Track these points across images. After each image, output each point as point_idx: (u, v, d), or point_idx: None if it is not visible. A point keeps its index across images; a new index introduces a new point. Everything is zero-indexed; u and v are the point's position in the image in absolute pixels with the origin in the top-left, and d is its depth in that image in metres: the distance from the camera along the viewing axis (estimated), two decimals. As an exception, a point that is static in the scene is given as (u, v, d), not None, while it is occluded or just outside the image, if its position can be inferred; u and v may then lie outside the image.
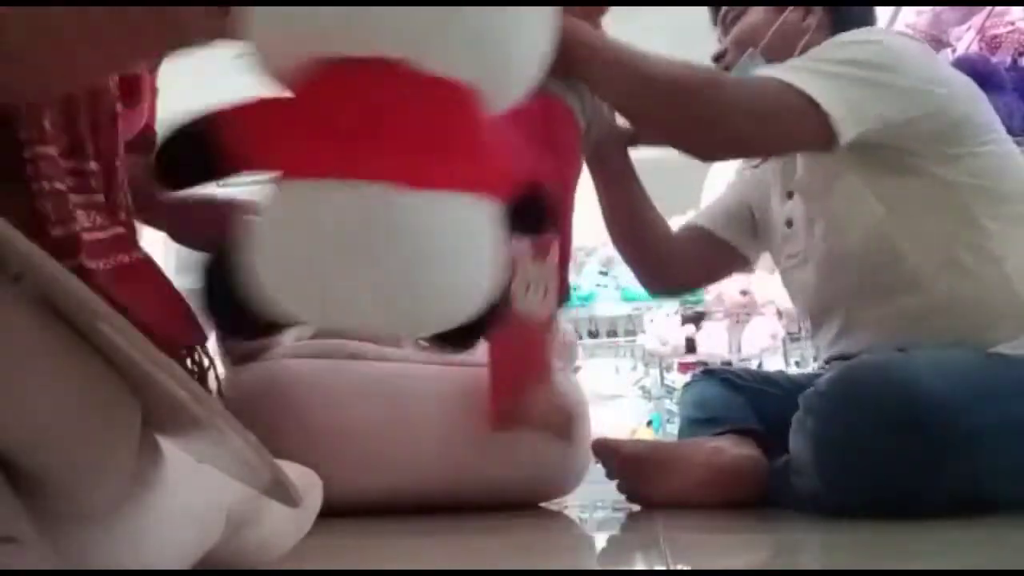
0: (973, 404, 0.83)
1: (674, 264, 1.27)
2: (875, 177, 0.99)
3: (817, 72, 0.94)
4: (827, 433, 0.87)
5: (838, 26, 1.11)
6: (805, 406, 0.90)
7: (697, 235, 1.29)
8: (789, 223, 1.15)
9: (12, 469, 0.28)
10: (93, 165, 0.82)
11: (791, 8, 1.13)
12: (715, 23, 1.21)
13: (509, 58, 0.49)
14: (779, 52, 1.10)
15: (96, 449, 0.29)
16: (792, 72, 0.95)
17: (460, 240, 0.50)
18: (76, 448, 0.28)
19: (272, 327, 0.51)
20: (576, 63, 0.92)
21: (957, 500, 0.81)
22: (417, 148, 0.50)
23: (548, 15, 0.50)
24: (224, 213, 0.92)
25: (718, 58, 1.18)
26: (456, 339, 0.48)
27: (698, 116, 0.95)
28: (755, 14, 1.15)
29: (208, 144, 0.49)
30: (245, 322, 0.46)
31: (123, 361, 0.29)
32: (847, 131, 0.92)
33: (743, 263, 1.32)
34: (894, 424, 0.82)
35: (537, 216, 0.54)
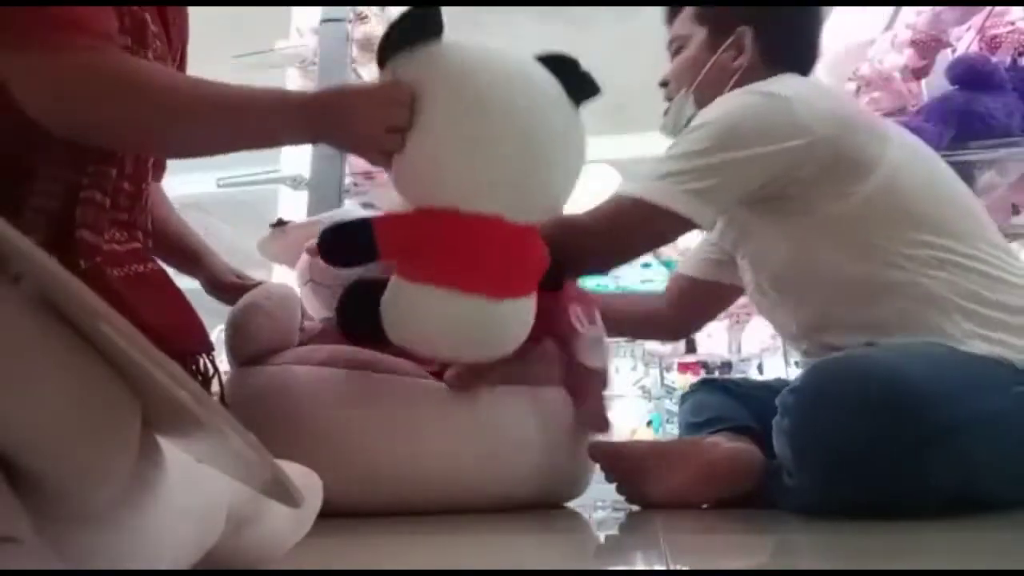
0: (948, 395, 0.83)
1: (679, 321, 1.43)
2: (777, 221, 1.08)
3: (662, 177, 1.05)
4: (802, 431, 0.88)
5: (769, 60, 1.17)
6: (781, 406, 0.90)
7: (685, 285, 1.41)
8: (743, 256, 1.25)
9: (12, 469, 0.28)
10: (126, 185, 0.86)
11: (723, 48, 1.19)
12: (668, 46, 1.31)
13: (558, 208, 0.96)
14: (711, 89, 1.19)
15: (96, 449, 0.29)
16: (642, 184, 1.07)
17: (521, 328, 0.96)
18: (76, 448, 0.28)
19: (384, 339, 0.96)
20: None
21: (941, 496, 0.81)
22: (502, 272, 0.91)
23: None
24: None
25: (664, 84, 1.30)
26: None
27: (574, 256, 1.08)
28: (693, 48, 1.23)
29: (366, 237, 0.92)
30: (367, 335, 0.97)
31: (123, 361, 0.29)
32: (706, 220, 1.05)
33: (739, 291, 1.38)
34: (867, 418, 0.82)
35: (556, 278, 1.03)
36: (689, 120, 1.19)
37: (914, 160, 1.08)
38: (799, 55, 1.19)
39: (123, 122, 0.78)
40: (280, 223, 1.33)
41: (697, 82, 1.21)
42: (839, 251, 1.04)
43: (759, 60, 1.18)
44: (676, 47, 1.27)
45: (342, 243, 0.95)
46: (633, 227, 1.08)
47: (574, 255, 1.08)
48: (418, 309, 0.91)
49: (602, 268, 1.22)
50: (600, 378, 1.13)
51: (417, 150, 0.88)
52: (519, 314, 0.95)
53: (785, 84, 1.09)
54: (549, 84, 0.95)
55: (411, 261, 0.92)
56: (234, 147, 0.87)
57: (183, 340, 0.93)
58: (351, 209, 1.40)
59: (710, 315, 1.47)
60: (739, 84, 1.15)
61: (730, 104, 1.08)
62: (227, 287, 1.15)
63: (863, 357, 0.89)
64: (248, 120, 0.85)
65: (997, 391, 0.87)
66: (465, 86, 0.88)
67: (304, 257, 1.25)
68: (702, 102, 1.19)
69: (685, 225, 1.05)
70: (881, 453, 0.82)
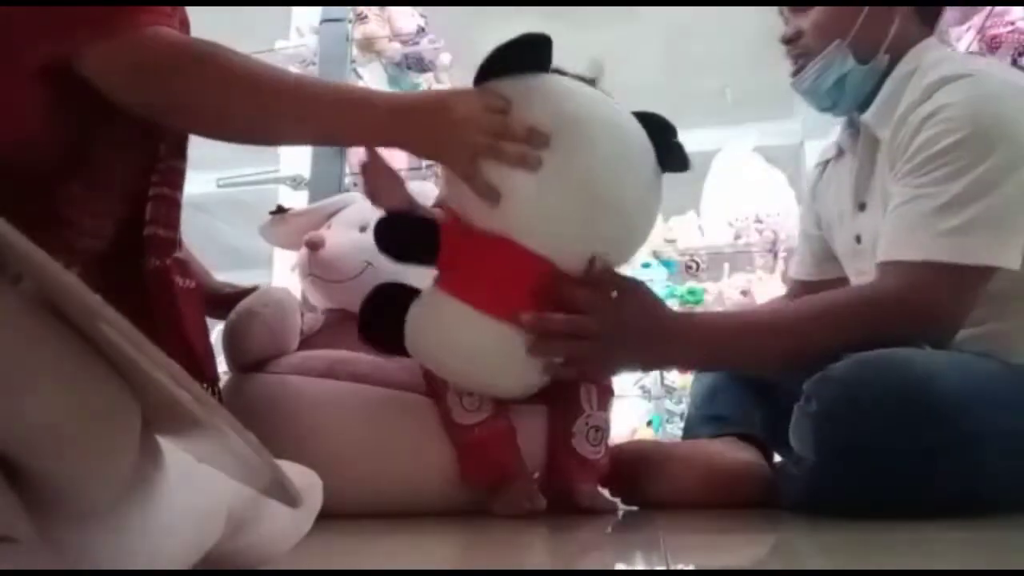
0: (983, 408, 0.83)
1: None
2: None
3: (951, 228, 0.88)
4: (829, 419, 0.85)
5: (924, 15, 1.06)
6: (811, 390, 0.88)
7: (801, 291, 1.27)
8: (858, 239, 1.11)
9: (12, 469, 0.28)
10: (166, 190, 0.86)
11: None
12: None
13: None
14: (868, 45, 1.04)
15: (96, 449, 0.29)
16: (930, 244, 0.89)
17: (538, 376, 0.94)
18: (76, 448, 0.28)
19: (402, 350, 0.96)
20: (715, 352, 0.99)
21: (947, 502, 0.81)
22: (536, 310, 0.89)
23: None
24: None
25: (790, 40, 1.09)
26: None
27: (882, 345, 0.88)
28: None
29: (431, 239, 0.93)
30: (386, 342, 0.98)
31: (124, 361, 0.29)
32: (1015, 259, 0.89)
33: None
34: (894, 416, 0.82)
35: None
36: (844, 77, 1.04)
37: None
38: (941, 7, 1.10)
39: (198, 93, 0.78)
40: (280, 210, 1.32)
41: (852, 36, 1.03)
42: None
43: (914, 10, 1.05)
44: None
45: (405, 236, 0.95)
46: (951, 294, 0.90)
47: (872, 344, 0.88)
48: (447, 323, 0.91)
49: (935, 341, 0.93)
50: (590, 468, 1.03)
51: (494, 169, 0.86)
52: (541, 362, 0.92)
53: (1000, 68, 0.97)
54: (641, 145, 0.92)
55: (457, 274, 0.92)
56: (297, 138, 0.92)
57: (211, 366, 0.93)
58: (353, 195, 1.39)
59: None
60: (897, 37, 1.03)
61: (979, 100, 0.91)
62: (223, 301, 1.13)
63: (904, 358, 0.87)
64: (322, 114, 0.84)
65: None
66: (560, 128, 0.87)
67: (303, 251, 1.25)
68: (862, 60, 1.04)
69: (994, 272, 0.90)
70: (896, 453, 0.81)
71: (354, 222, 1.27)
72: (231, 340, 1.06)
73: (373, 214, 1.25)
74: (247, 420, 0.94)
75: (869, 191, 1.08)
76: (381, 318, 0.97)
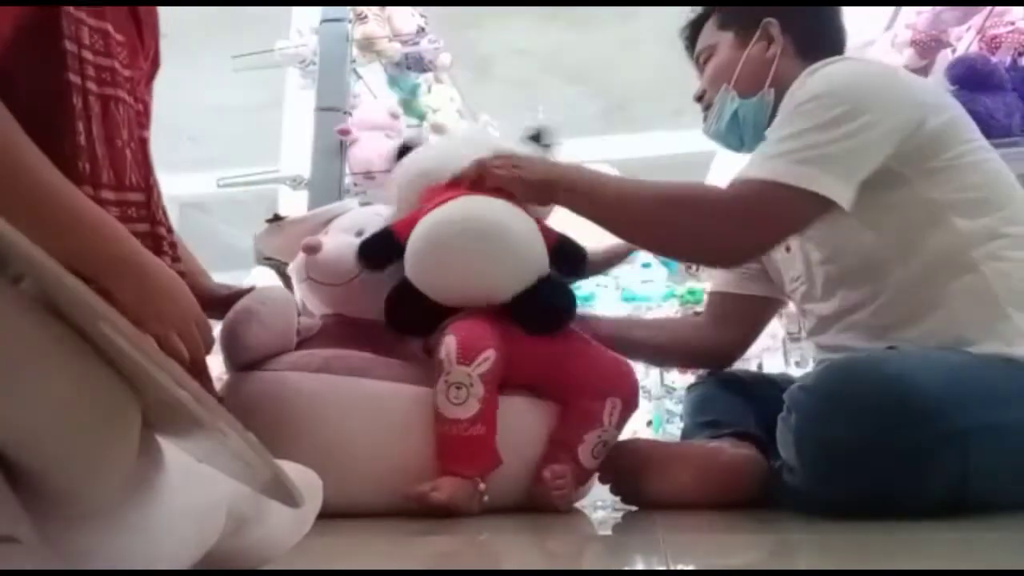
0: (960, 403, 0.83)
1: (727, 345, 1.34)
2: (862, 204, 0.98)
3: (794, 156, 0.96)
4: (809, 428, 0.87)
5: (802, 47, 1.15)
6: (790, 401, 0.90)
7: (719, 302, 1.34)
8: (787, 248, 1.18)
9: (12, 469, 0.28)
10: (133, 196, 0.84)
11: (754, 41, 1.17)
12: (695, 64, 1.27)
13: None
14: (751, 84, 1.16)
15: (96, 449, 0.29)
16: (767, 163, 0.98)
17: (520, 222, 1.11)
18: (76, 448, 0.28)
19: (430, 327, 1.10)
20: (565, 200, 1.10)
21: (940, 500, 0.81)
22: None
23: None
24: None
25: (699, 98, 1.25)
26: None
27: (695, 235, 1.03)
28: (722, 51, 1.21)
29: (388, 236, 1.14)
30: (414, 324, 1.14)
31: (123, 361, 0.29)
32: (845, 197, 0.95)
33: (778, 304, 1.34)
34: (872, 421, 0.82)
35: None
36: (736, 114, 1.17)
37: (988, 146, 1.05)
38: (830, 37, 1.18)
39: None
40: (276, 218, 1.33)
41: (735, 79, 1.17)
42: (926, 236, 0.99)
43: (792, 47, 1.16)
44: (705, 58, 1.24)
45: (375, 249, 1.14)
46: (776, 212, 0.98)
47: (694, 236, 1.02)
48: (428, 220, 1.08)
49: (730, 257, 1.10)
50: (582, 475, 1.08)
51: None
52: (510, 212, 1.08)
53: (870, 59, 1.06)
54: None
55: (417, 216, 1.11)
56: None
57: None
58: (348, 203, 1.39)
59: (755, 333, 1.37)
60: (779, 73, 1.14)
61: (842, 74, 1.01)
62: (220, 302, 1.12)
63: (877, 360, 0.88)
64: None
65: (1012, 401, 0.87)
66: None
67: (300, 256, 1.25)
68: (746, 97, 1.17)
69: (824, 208, 0.96)
70: (881, 457, 0.82)
71: (350, 228, 1.28)
72: (229, 338, 1.06)
73: (368, 219, 1.27)
74: (246, 417, 0.94)
75: None
76: (407, 304, 1.09)
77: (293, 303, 1.13)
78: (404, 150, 1.30)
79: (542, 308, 1.09)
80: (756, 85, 1.15)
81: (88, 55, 0.80)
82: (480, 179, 1.11)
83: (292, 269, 1.29)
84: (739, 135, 1.19)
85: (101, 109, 0.81)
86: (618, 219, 1.07)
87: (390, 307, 1.11)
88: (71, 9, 0.78)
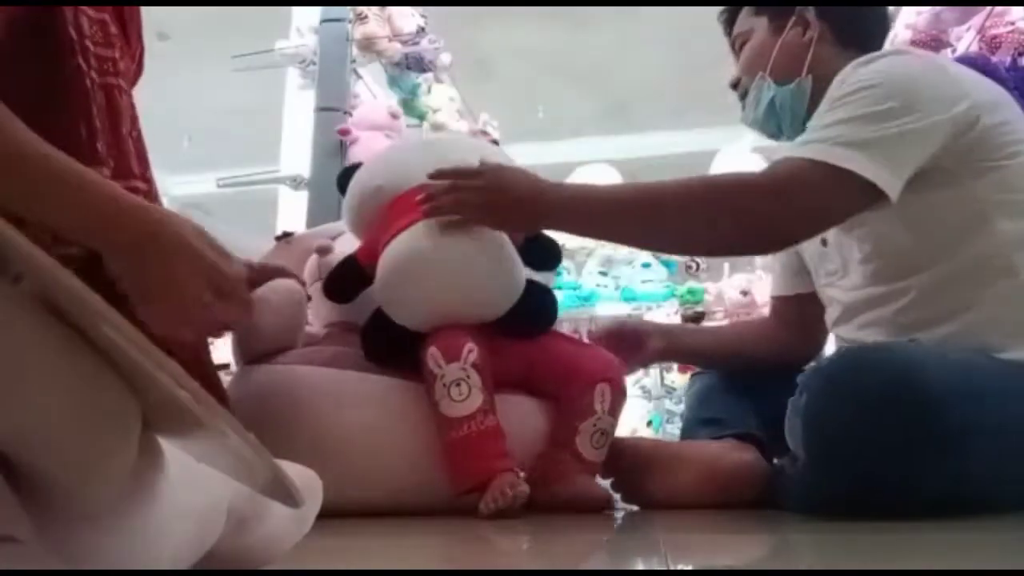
0: (969, 402, 0.83)
1: (796, 347, 1.28)
2: (905, 202, 0.94)
3: (842, 140, 0.93)
4: (817, 412, 0.87)
5: (840, 34, 1.13)
6: (802, 384, 0.89)
7: (779, 306, 1.33)
8: (824, 242, 1.15)
9: (12, 469, 0.28)
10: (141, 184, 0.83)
11: (789, 26, 1.15)
12: (732, 48, 1.24)
13: None
14: (788, 70, 1.13)
15: (96, 449, 0.29)
16: (820, 147, 0.94)
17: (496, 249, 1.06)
18: (76, 448, 0.28)
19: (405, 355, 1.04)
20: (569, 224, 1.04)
21: (939, 498, 0.81)
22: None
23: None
24: None
25: (735, 85, 1.22)
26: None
27: (737, 220, 0.95)
28: (757, 37, 1.18)
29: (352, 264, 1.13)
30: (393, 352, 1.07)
31: (123, 361, 0.29)
32: (892, 186, 0.91)
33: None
34: (877, 411, 0.82)
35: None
36: (773, 101, 1.14)
37: None
38: (868, 25, 1.17)
39: None
40: (285, 235, 1.36)
41: (771, 66, 1.15)
42: (967, 238, 0.97)
43: (830, 33, 1.14)
44: (740, 43, 1.21)
45: (341, 281, 1.16)
46: (820, 192, 0.93)
47: (735, 221, 0.95)
48: (397, 250, 1.03)
49: (778, 237, 1.02)
50: (588, 468, 1.06)
51: None
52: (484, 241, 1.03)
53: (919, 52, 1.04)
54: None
55: (381, 237, 1.08)
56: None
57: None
58: None
59: (817, 332, 1.28)
60: (816, 60, 1.12)
61: (894, 67, 0.98)
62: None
63: (891, 351, 0.88)
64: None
65: (1012, 402, 0.87)
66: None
67: (313, 258, 1.27)
68: (783, 83, 1.15)
69: (869, 197, 0.92)
70: (882, 447, 0.82)
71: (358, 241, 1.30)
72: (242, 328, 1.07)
73: None
74: (255, 408, 0.94)
75: None
76: (382, 335, 1.07)
77: (304, 294, 1.14)
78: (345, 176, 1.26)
79: (526, 319, 1.08)
80: (793, 72, 1.13)
81: (89, 44, 0.81)
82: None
83: (304, 273, 1.31)
84: (776, 122, 1.17)
85: (105, 97, 0.82)
86: (636, 224, 1.01)
87: (366, 340, 1.08)
88: None
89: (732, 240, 1.00)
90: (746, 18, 1.21)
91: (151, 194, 0.88)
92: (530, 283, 1.08)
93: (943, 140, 0.94)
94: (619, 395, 1.10)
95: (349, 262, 1.13)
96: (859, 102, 0.95)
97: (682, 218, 0.98)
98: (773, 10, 1.17)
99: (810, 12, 1.14)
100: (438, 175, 1.03)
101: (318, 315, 1.31)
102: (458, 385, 0.99)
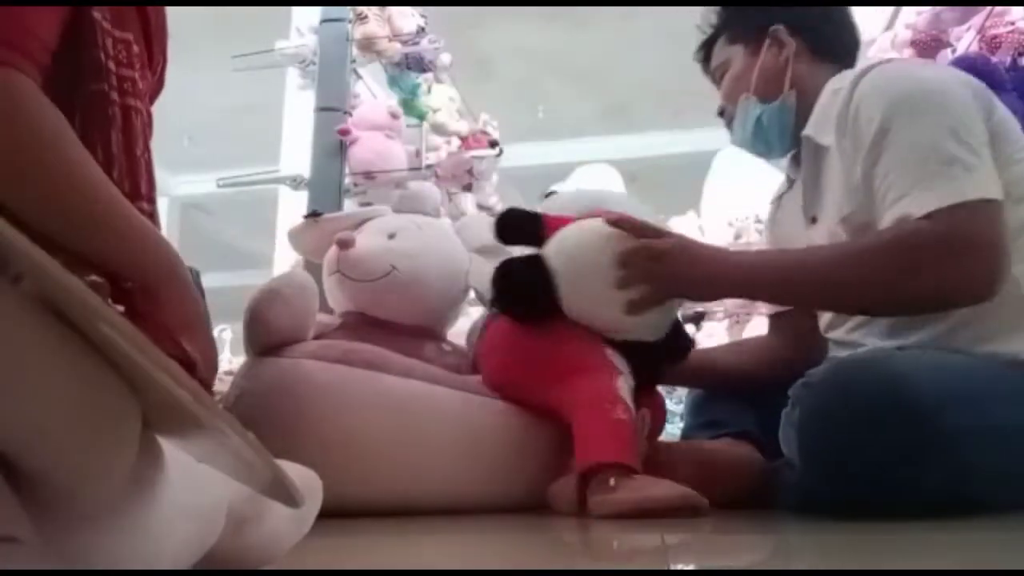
0: (959, 404, 0.83)
1: (797, 356, 1.24)
2: None
3: (934, 178, 0.90)
4: (810, 424, 0.88)
5: (816, 48, 1.16)
6: (793, 397, 0.91)
7: (777, 323, 1.33)
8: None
9: (12, 469, 0.28)
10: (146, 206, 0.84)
11: (765, 48, 1.17)
12: (713, 81, 1.28)
13: None
14: (770, 89, 1.17)
15: (96, 449, 0.29)
16: (919, 196, 0.90)
17: None
18: (76, 448, 0.28)
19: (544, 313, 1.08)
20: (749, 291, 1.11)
21: (938, 500, 0.81)
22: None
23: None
24: None
25: (721, 113, 1.26)
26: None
27: (920, 293, 0.91)
28: (736, 65, 1.21)
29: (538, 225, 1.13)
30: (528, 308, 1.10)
31: (123, 361, 0.29)
32: (999, 189, 0.91)
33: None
34: (877, 417, 0.82)
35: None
36: (760, 119, 1.17)
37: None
38: (841, 35, 1.19)
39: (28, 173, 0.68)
40: (314, 214, 1.37)
41: (753, 86, 1.18)
42: None
43: (805, 48, 1.17)
44: (721, 74, 1.25)
45: (520, 221, 1.14)
46: (982, 232, 0.89)
47: (920, 291, 0.91)
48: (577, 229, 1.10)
49: (972, 295, 0.92)
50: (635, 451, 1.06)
51: None
52: None
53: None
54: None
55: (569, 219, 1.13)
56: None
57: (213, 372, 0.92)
58: (384, 208, 1.43)
59: (819, 342, 1.24)
60: (798, 75, 1.15)
61: (930, 81, 0.98)
62: None
63: (881, 359, 0.89)
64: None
65: (1012, 403, 0.87)
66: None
67: (333, 249, 1.28)
68: (767, 101, 1.18)
69: (1000, 210, 0.90)
70: (879, 455, 0.82)
71: (383, 230, 1.32)
72: (252, 319, 1.07)
73: (403, 225, 1.30)
74: (261, 403, 0.95)
75: (819, 204, 1.13)
76: (522, 280, 1.09)
77: (315, 287, 1.14)
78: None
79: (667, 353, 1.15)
80: (775, 89, 1.16)
81: (112, 65, 0.81)
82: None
83: (323, 262, 1.32)
84: (765, 140, 1.19)
85: (123, 119, 0.82)
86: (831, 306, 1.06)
87: (510, 274, 1.09)
88: (100, 20, 0.78)
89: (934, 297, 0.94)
90: (721, 49, 1.24)
91: (154, 216, 0.88)
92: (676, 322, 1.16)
93: (984, 132, 0.95)
94: (659, 419, 1.14)
95: (536, 217, 1.14)
96: (905, 130, 0.94)
97: (860, 290, 0.95)
98: (746, 36, 1.20)
99: (782, 31, 1.17)
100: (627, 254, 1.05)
101: (336, 304, 1.32)
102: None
